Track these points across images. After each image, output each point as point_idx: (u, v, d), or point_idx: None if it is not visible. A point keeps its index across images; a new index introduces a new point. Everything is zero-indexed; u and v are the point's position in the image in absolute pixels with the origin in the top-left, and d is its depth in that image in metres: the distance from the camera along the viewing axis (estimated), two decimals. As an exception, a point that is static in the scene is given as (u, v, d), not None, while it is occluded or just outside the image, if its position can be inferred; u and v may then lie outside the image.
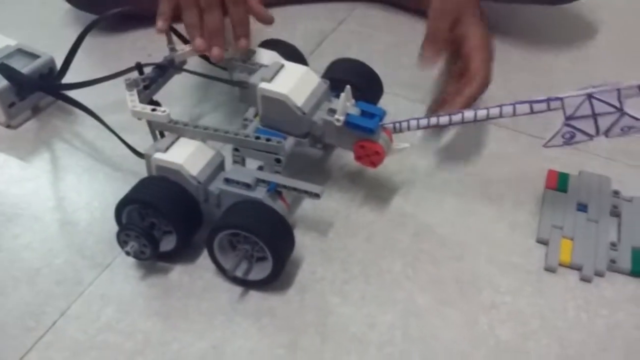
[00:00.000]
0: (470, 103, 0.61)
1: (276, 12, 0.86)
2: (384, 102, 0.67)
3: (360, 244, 0.58)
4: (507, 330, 0.51)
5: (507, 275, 0.55)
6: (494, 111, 0.54)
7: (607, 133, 0.52)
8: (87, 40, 0.66)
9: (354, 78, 0.63)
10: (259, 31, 0.84)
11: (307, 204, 0.61)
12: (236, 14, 0.58)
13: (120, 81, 0.59)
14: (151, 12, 0.61)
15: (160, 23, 0.59)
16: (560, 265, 0.55)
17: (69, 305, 0.53)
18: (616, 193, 0.61)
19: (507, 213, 0.60)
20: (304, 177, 0.54)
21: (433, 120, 0.56)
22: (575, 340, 0.50)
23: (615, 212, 0.59)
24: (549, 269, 0.55)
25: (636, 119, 0.51)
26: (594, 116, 0.51)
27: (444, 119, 0.55)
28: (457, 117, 0.55)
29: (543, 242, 0.57)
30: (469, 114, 0.55)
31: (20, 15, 0.88)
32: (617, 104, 0.50)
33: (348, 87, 0.53)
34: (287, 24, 0.85)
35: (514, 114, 0.53)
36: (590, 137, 0.52)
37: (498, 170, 0.64)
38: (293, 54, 0.66)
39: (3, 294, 0.53)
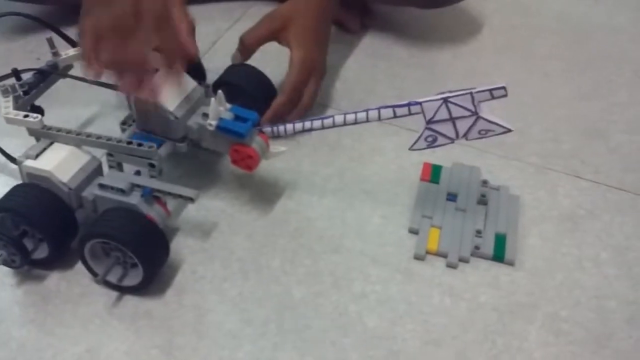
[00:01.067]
0: (276, 113, 0.65)
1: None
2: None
3: (242, 242, 0.59)
4: (375, 317, 0.54)
5: (379, 266, 0.58)
6: (361, 115, 0.56)
7: (466, 136, 0.55)
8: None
9: (247, 83, 0.65)
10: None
11: (192, 206, 0.62)
12: (164, 38, 0.53)
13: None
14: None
15: (95, 67, 0.51)
16: (428, 253, 0.59)
17: (-59, 317, 0.52)
18: (485, 183, 0.65)
19: (382, 206, 0.63)
20: (193, 179, 0.55)
21: (307, 124, 0.58)
22: (439, 323, 0.54)
23: (483, 201, 0.63)
24: (418, 257, 0.58)
25: (491, 122, 0.54)
26: (452, 120, 0.54)
27: (316, 123, 0.57)
28: (328, 121, 0.57)
29: (414, 232, 0.60)
30: (339, 118, 0.57)
31: None
32: (472, 108, 0.54)
33: (220, 92, 0.55)
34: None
35: (379, 119, 0.56)
36: (451, 140, 0.55)
37: (378, 165, 0.67)
38: None
39: None
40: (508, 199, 0.63)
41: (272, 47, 0.73)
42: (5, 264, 0.52)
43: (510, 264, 0.58)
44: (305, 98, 0.68)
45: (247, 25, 0.87)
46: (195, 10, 0.88)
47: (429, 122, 0.55)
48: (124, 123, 0.59)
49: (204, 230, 0.60)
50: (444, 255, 0.58)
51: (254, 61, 0.69)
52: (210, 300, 0.54)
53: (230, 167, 0.65)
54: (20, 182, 0.55)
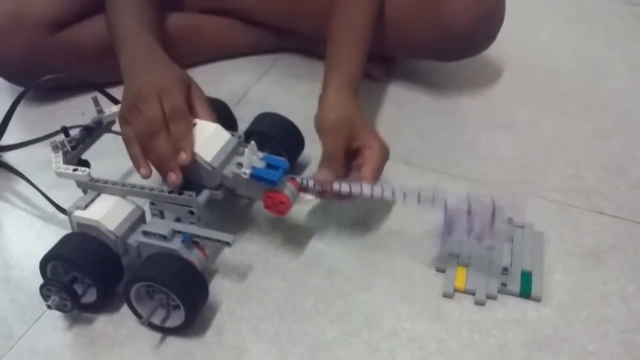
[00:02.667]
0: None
1: (205, 68, 0.94)
2: (307, 151, 0.73)
3: (275, 283, 0.62)
4: (406, 354, 0.56)
5: (408, 304, 0.60)
6: (387, 193, 0.59)
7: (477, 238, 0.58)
8: (24, 104, 0.70)
9: (276, 131, 0.69)
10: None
11: (229, 249, 0.65)
12: (175, 129, 0.58)
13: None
14: (74, 80, 0.67)
15: (143, 170, 0.59)
16: (456, 291, 0.61)
17: (0, 359, 0.56)
18: (510, 221, 0.67)
19: (409, 245, 0.65)
20: (229, 223, 0.58)
21: (335, 186, 0.60)
22: (468, 359, 0.55)
23: (508, 237, 0.65)
24: (446, 295, 0.60)
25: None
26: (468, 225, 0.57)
27: (344, 188, 0.60)
28: (356, 189, 0.60)
29: (441, 270, 0.63)
30: (366, 189, 0.60)
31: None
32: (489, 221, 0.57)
33: (252, 142, 0.59)
34: (214, 78, 0.91)
35: (405, 200, 0.59)
36: (469, 236, 0.58)
37: (403, 206, 0.70)
38: (220, 109, 0.71)
39: None
40: (532, 235, 0.65)
41: (299, 95, 0.77)
42: (58, 308, 0.56)
43: (537, 300, 0.60)
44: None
45: (275, 77, 0.93)
46: (226, 65, 0.95)
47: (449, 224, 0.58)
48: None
49: (239, 272, 0.63)
50: (472, 293, 0.60)
51: (282, 109, 0.73)
52: (248, 340, 0.57)
53: (263, 211, 0.69)
54: (69, 231, 0.59)
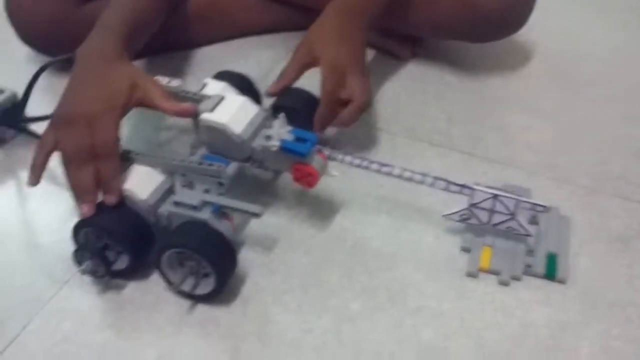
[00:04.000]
0: (320, 119, 0.68)
1: (230, 45, 0.94)
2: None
3: (300, 257, 0.63)
4: (430, 331, 0.56)
5: (432, 282, 0.60)
6: (418, 177, 0.61)
7: (495, 225, 0.61)
8: (46, 78, 0.71)
9: (301, 106, 0.69)
10: (212, 61, 0.90)
11: (254, 222, 0.66)
12: (103, 169, 0.57)
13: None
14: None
15: (33, 179, 0.59)
16: (481, 270, 0.61)
17: (30, 320, 0.57)
18: (534, 205, 0.67)
19: (435, 225, 0.65)
20: (255, 197, 0.59)
21: (364, 163, 0.62)
22: (491, 338, 0.56)
23: (534, 221, 0.65)
24: (470, 275, 0.61)
25: (521, 226, 0.61)
26: (492, 211, 0.60)
27: (374, 166, 0.62)
28: (386, 169, 0.62)
29: (466, 250, 0.63)
30: (397, 170, 0.62)
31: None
32: (513, 210, 0.60)
33: (282, 115, 0.59)
34: (239, 54, 0.91)
35: (432, 186, 0.61)
36: (482, 223, 0.61)
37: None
38: (244, 84, 0.71)
39: (-32, 314, 0.58)
40: (559, 219, 0.65)
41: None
42: (90, 274, 0.57)
43: (562, 282, 0.60)
44: (357, 96, 0.68)
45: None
46: (250, 41, 0.95)
47: (472, 205, 0.60)
48: (194, 146, 0.63)
49: (264, 245, 0.64)
50: (496, 273, 0.60)
51: (307, 86, 0.73)
52: (273, 311, 0.58)
53: (289, 186, 0.70)
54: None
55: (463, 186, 0.60)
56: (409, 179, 0.61)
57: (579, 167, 0.73)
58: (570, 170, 0.73)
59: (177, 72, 0.87)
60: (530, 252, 0.62)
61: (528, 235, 0.61)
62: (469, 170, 0.72)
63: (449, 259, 0.62)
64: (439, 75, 0.88)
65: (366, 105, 0.70)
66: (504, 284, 0.60)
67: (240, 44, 0.94)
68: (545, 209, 0.60)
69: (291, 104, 0.69)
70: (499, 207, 0.60)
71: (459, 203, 0.61)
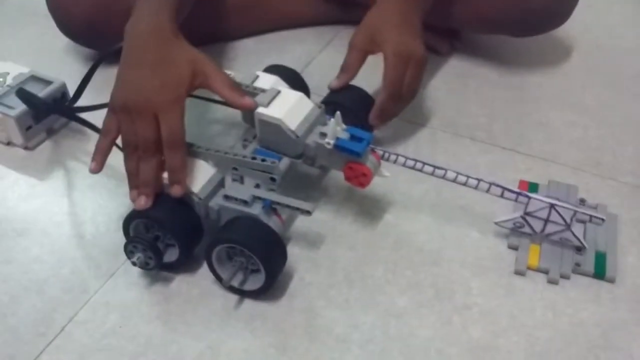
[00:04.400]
0: (382, 111, 0.67)
1: (268, 37, 0.94)
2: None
3: (345, 252, 0.62)
4: (479, 328, 0.55)
5: (480, 279, 0.59)
6: (472, 182, 0.60)
7: (547, 235, 0.60)
8: (87, 68, 0.71)
9: (352, 103, 0.68)
10: (257, 53, 0.90)
11: (300, 216, 0.65)
12: (171, 160, 0.56)
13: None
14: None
15: (94, 165, 0.59)
16: (529, 268, 0.60)
17: (77, 312, 0.57)
18: (582, 201, 0.66)
19: (480, 221, 0.65)
20: (300, 192, 0.59)
21: (418, 165, 0.61)
22: (542, 337, 0.55)
23: (581, 219, 0.64)
24: (518, 273, 0.60)
25: (575, 237, 0.60)
26: (547, 221, 0.59)
27: (427, 169, 0.61)
28: (439, 172, 0.60)
29: (513, 247, 0.62)
30: (450, 174, 0.60)
31: (22, 43, 0.93)
32: (568, 221, 0.59)
33: (338, 113, 0.58)
34: (277, 47, 0.91)
35: (486, 191, 0.60)
36: (535, 232, 0.60)
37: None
38: (294, 78, 0.71)
39: (16, 302, 0.58)
40: (606, 217, 0.64)
41: (375, 66, 0.77)
42: (141, 266, 0.57)
43: (611, 281, 0.59)
44: (405, 88, 0.67)
45: (338, 48, 0.92)
46: (288, 34, 0.94)
47: (527, 213, 0.59)
48: (245, 140, 0.63)
49: (309, 240, 0.63)
50: (545, 272, 0.60)
51: (357, 81, 0.72)
52: (319, 306, 0.57)
53: (333, 181, 0.69)
54: None
55: (519, 194, 0.58)
56: (463, 184, 0.60)
57: (623, 164, 0.72)
58: (615, 167, 0.71)
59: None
60: (578, 250, 0.61)
61: (582, 247, 0.59)
62: (513, 166, 0.71)
63: (496, 255, 0.62)
64: (479, 70, 0.87)
65: (415, 94, 0.69)
66: (553, 282, 0.59)
67: (275, 37, 0.94)
68: (603, 221, 0.59)
69: (342, 101, 0.68)
70: (554, 216, 0.58)
71: (503, 202, 0.60)
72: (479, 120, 0.78)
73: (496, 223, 0.61)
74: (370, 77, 0.70)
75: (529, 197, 0.58)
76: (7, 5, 1.02)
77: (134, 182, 0.57)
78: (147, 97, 0.56)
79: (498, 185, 0.59)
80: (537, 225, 0.59)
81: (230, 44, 0.92)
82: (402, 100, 0.68)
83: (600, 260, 0.60)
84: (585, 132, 0.77)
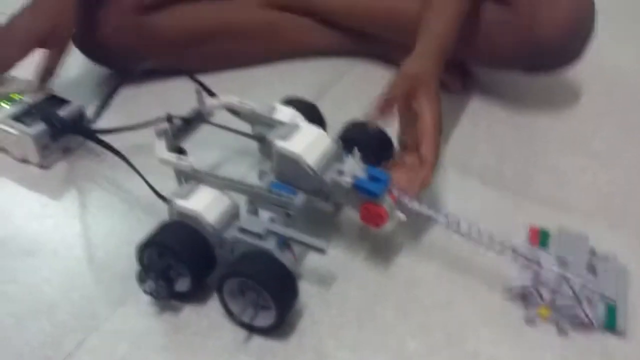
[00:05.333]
0: (425, 185, 0.65)
1: (281, 67, 0.94)
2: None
3: (355, 291, 0.62)
4: (489, 377, 0.55)
5: (490, 326, 0.60)
6: (485, 240, 0.60)
7: (556, 306, 0.59)
8: (103, 87, 0.71)
9: (369, 140, 0.68)
10: (270, 83, 0.91)
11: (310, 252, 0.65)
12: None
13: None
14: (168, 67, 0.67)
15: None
16: (539, 317, 0.60)
17: (85, 338, 0.57)
18: (593, 251, 0.66)
19: (490, 266, 0.65)
20: (312, 228, 0.59)
21: (431, 213, 0.60)
22: (550, 388, 0.55)
23: (591, 269, 0.64)
24: (529, 321, 0.60)
25: (586, 316, 0.59)
26: (556, 292, 0.59)
27: (442, 219, 0.60)
28: (454, 227, 0.60)
29: (524, 295, 0.62)
30: (465, 228, 0.60)
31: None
32: (579, 296, 0.58)
33: (356, 150, 0.58)
34: (290, 77, 0.92)
35: (501, 253, 0.60)
36: (544, 302, 0.60)
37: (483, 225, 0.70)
38: (311, 112, 0.71)
39: (23, 324, 0.58)
40: (617, 268, 0.64)
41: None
42: (152, 294, 0.57)
43: (622, 334, 0.59)
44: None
45: (353, 81, 0.93)
46: (301, 64, 0.95)
47: (538, 282, 0.60)
48: (262, 171, 0.63)
49: (319, 276, 0.63)
50: (555, 322, 0.60)
51: (359, 115, 0.72)
52: (329, 345, 0.57)
53: (346, 218, 0.69)
54: (149, 216, 0.61)
55: (531, 261, 0.59)
56: (476, 241, 0.59)
57: (635, 211, 0.72)
58: (626, 214, 0.72)
59: (226, 93, 0.88)
60: (588, 302, 0.61)
61: (592, 324, 0.59)
62: (523, 211, 0.72)
63: (506, 303, 0.62)
64: (489, 109, 0.88)
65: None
66: (563, 332, 0.59)
67: (287, 67, 0.95)
68: (613, 301, 0.59)
69: (357, 137, 0.68)
70: (565, 289, 0.58)
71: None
72: (489, 160, 0.79)
73: (506, 288, 0.61)
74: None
75: (541, 266, 0.58)
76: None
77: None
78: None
79: (510, 248, 0.59)
80: (547, 295, 0.59)
81: (242, 73, 0.93)
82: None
83: (611, 312, 0.60)
84: (595, 177, 0.78)
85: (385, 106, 0.67)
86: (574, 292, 0.58)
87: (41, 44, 0.74)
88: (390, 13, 0.87)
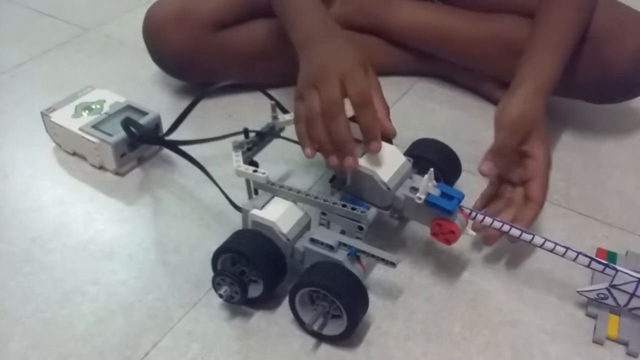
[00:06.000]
0: (530, 225, 0.64)
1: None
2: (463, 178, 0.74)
3: (421, 305, 0.63)
4: (558, 396, 0.55)
5: (558, 344, 0.59)
6: (560, 249, 0.60)
7: (631, 310, 0.60)
8: (175, 99, 0.74)
9: (436, 157, 0.69)
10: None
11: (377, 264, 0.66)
12: (364, 118, 0.58)
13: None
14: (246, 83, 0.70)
15: (308, 150, 0.59)
16: (608, 339, 0.60)
17: (160, 339, 0.59)
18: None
19: (558, 285, 0.65)
20: (379, 241, 0.60)
21: (505, 227, 0.61)
22: (621, 410, 0.54)
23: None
24: (597, 342, 0.60)
25: None
26: (633, 295, 0.59)
27: (515, 232, 0.61)
28: (527, 237, 0.61)
29: (592, 315, 0.62)
30: (539, 240, 0.60)
31: (110, 71, 0.98)
32: None
33: (432, 169, 0.59)
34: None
35: (575, 260, 0.60)
36: (618, 305, 0.60)
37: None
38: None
39: (102, 323, 0.60)
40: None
41: (438, 121, 0.77)
42: (227, 299, 0.59)
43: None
44: (539, 198, 0.65)
45: (413, 99, 0.94)
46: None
47: (613, 286, 0.59)
48: (333, 186, 0.65)
49: (385, 288, 0.64)
50: (624, 343, 0.59)
51: (420, 133, 0.74)
52: (396, 357, 0.58)
53: (411, 232, 0.70)
54: (220, 224, 0.64)
55: (607, 266, 0.58)
56: (551, 250, 0.60)
57: (703, 240, 0.71)
58: (694, 242, 0.71)
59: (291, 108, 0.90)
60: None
61: None
62: (590, 233, 0.72)
63: (574, 322, 0.61)
64: (554, 133, 0.88)
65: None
66: (633, 355, 0.58)
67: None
68: None
69: (424, 154, 0.69)
70: None
71: (581, 267, 0.60)
72: (556, 183, 0.79)
73: (579, 292, 0.61)
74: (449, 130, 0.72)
75: (617, 270, 0.58)
76: (95, 33, 1.07)
77: (326, 148, 0.58)
78: (328, 66, 0.59)
79: (585, 255, 0.59)
80: (622, 299, 0.59)
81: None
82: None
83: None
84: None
85: (499, 159, 0.64)
86: None
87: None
88: (465, 38, 0.88)
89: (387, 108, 0.64)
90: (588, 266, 0.59)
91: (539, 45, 0.71)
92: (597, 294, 0.60)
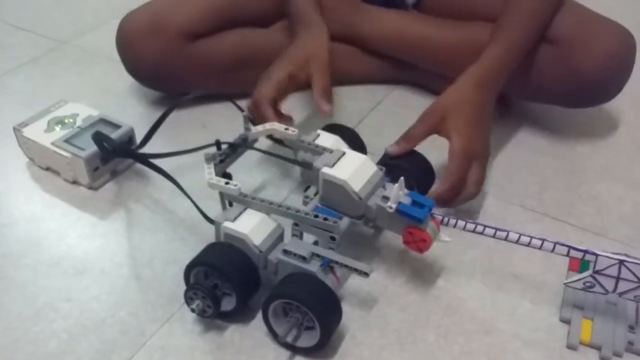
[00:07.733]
0: (439, 199, 0.68)
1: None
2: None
3: (396, 314, 0.63)
4: (532, 403, 0.55)
5: (532, 351, 0.60)
6: (535, 242, 0.60)
7: (621, 294, 0.59)
8: (150, 110, 0.73)
9: (409, 166, 0.69)
10: (307, 109, 0.93)
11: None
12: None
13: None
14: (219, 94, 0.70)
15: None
16: (581, 344, 0.60)
17: (133, 355, 0.58)
18: (634, 278, 0.66)
19: (532, 291, 0.65)
20: (353, 250, 0.59)
21: (479, 228, 0.61)
22: (594, 416, 0.55)
23: (635, 298, 0.64)
24: (571, 347, 0.60)
25: None
26: (618, 278, 0.58)
27: (489, 231, 0.61)
28: (501, 234, 0.61)
29: (565, 321, 0.62)
30: (513, 235, 0.61)
31: (85, 83, 0.97)
32: None
33: (402, 178, 0.59)
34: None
35: (552, 251, 0.60)
36: (606, 292, 0.59)
37: (524, 250, 0.69)
38: (353, 138, 0.73)
39: (75, 340, 0.59)
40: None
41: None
42: (199, 313, 0.58)
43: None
44: (470, 186, 0.70)
45: (389, 108, 0.95)
46: (339, 91, 0.97)
47: (596, 272, 0.58)
48: (306, 197, 0.64)
49: (360, 298, 0.64)
50: (597, 348, 0.59)
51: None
52: (370, 367, 0.58)
53: (386, 241, 0.70)
54: (194, 236, 0.64)
55: (586, 251, 0.58)
56: (527, 245, 0.60)
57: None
58: (667, 245, 0.72)
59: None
60: (631, 328, 0.61)
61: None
62: (564, 238, 0.71)
63: (548, 327, 0.62)
64: (528, 138, 0.89)
65: (474, 197, 0.71)
66: (606, 359, 0.59)
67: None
68: None
69: (402, 164, 0.69)
70: (626, 274, 0.57)
71: (555, 268, 0.60)
72: (529, 187, 0.79)
73: (566, 284, 0.61)
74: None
75: (597, 255, 0.57)
76: (70, 46, 1.07)
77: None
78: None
79: (563, 245, 0.59)
80: (609, 284, 0.58)
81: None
82: (467, 195, 0.70)
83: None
84: (634, 207, 0.78)
85: (406, 144, 0.71)
86: (634, 274, 0.56)
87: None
88: (440, 45, 0.89)
89: (325, 86, 0.75)
90: (567, 255, 0.59)
91: (490, 40, 0.77)
92: (584, 283, 0.59)
